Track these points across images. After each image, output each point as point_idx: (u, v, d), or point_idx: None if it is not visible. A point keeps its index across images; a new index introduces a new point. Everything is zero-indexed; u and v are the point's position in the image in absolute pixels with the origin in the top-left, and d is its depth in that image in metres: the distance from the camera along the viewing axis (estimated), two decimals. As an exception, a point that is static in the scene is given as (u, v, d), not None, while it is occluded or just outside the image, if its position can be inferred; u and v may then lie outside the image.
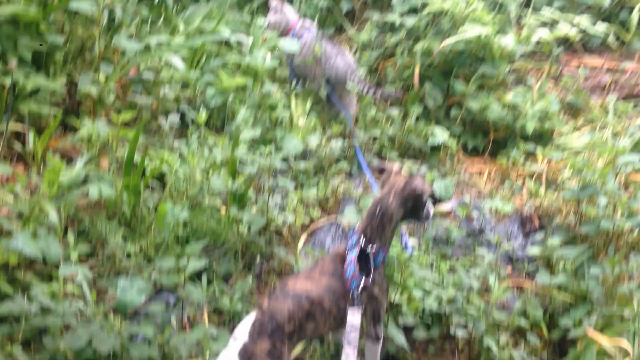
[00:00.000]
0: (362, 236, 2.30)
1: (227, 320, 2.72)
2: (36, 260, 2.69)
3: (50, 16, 3.71)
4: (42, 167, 3.47)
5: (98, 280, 2.76)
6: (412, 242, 3.04)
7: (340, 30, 5.12)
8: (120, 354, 2.29)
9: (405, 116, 4.12)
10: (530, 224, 3.46)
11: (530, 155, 3.92)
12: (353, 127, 3.89)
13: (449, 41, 4.03)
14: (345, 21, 5.05)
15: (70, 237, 2.81)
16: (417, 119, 4.08)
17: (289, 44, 4.06)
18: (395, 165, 2.45)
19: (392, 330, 2.55)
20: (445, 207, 3.51)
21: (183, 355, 2.31)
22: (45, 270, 2.66)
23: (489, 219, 3.48)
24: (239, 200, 3.06)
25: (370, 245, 2.28)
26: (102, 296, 2.76)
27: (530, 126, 3.87)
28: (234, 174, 3.08)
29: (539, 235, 3.31)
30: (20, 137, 3.54)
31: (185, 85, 4.10)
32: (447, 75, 4.20)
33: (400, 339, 2.52)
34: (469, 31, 3.95)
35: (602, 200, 3.01)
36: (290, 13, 4.32)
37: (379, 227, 2.31)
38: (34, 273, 2.61)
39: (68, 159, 3.55)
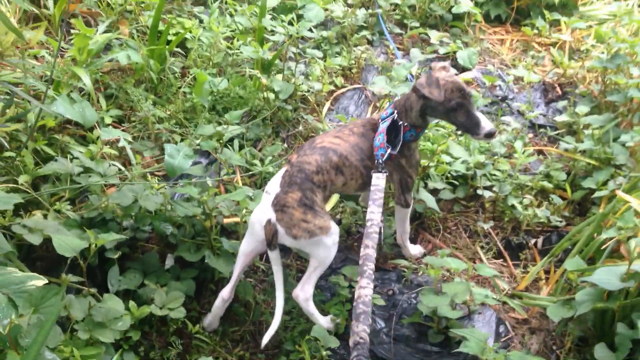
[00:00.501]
0: (396, 111, 2.32)
1: (259, 182, 2.81)
2: (70, 123, 2.73)
3: None
4: (60, 31, 3.42)
5: (133, 144, 2.81)
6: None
7: None
8: (165, 211, 2.38)
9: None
10: (552, 92, 3.48)
11: (554, 24, 3.86)
12: (376, -1, 3.80)
13: None
14: None
15: (102, 101, 2.83)
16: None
17: None
18: (440, 63, 2.35)
19: (423, 194, 2.64)
20: (468, 75, 3.51)
21: (224, 213, 2.40)
22: (80, 133, 2.69)
23: (512, 87, 3.49)
24: (267, 68, 3.03)
25: (402, 121, 2.30)
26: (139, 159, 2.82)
27: (557, -7, 3.79)
28: (261, 41, 3.03)
29: (560, 104, 3.33)
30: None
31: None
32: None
33: (431, 202, 2.61)
34: None
35: (635, 71, 3.01)
36: None
37: (409, 106, 2.29)
38: (69, 136, 2.64)
39: (86, 23, 3.49)
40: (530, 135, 3.25)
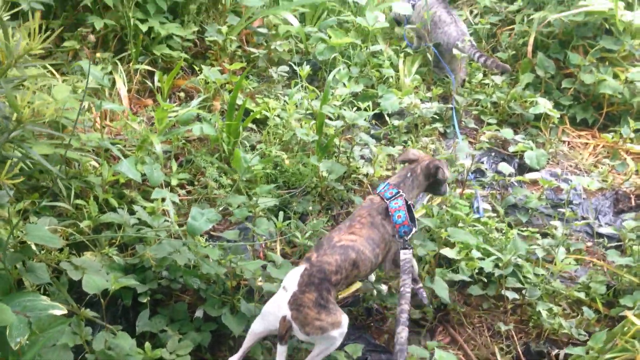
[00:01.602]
0: (401, 190, 2.49)
1: (299, 252, 3.00)
2: (144, 182, 3.15)
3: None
4: (168, 101, 3.97)
5: (192, 204, 3.17)
6: (484, 206, 3.09)
7: (464, -8, 5.07)
8: (193, 267, 2.66)
9: (514, 84, 4.07)
10: (625, 202, 3.33)
11: (640, 134, 3.71)
12: (455, 91, 3.92)
13: (567, 13, 3.88)
14: (471, -16, 4.99)
15: (174, 165, 3.25)
16: (526, 87, 4.00)
17: (401, 7, 4.16)
18: (417, 151, 2.69)
19: (438, 283, 2.66)
20: (533, 176, 3.48)
21: (246, 276, 2.62)
22: (149, 192, 3.09)
23: (579, 192, 3.39)
24: (324, 149, 3.28)
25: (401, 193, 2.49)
26: (194, 219, 3.17)
27: (646, 104, 3.66)
28: (320, 126, 3.30)
29: (628, 215, 3.18)
30: (153, 75, 4.05)
31: (301, 39, 4.39)
32: (565, 46, 4.06)
33: (441, 291, 2.62)
34: (592, 4, 3.77)
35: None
36: None
37: (410, 186, 2.55)
38: (139, 192, 3.05)
39: (189, 96, 4.01)
40: (589, 243, 3.13)
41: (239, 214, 2.67)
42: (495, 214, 3.11)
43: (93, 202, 2.78)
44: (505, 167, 3.21)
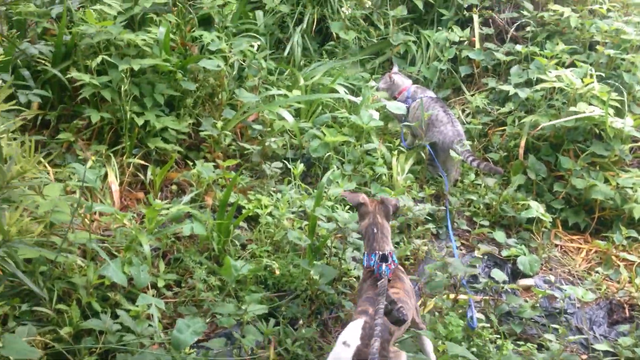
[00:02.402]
0: (377, 252, 2.66)
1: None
2: (130, 283, 3.08)
3: (187, 67, 4.22)
4: (160, 194, 3.95)
5: (179, 306, 3.09)
6: (477, 315, 3.02)
7: (457, 92, 5.17)
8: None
9: (505, 185, 4.09)
10: (619, 313, 3.27)
11: (634, 242, 3.69)
12: (448, 192, 3.93)
13: (558, 120, 3.95)
14: (463, 85, 5.10)
15: (162, 265, 3.18)
16: (518, 189, 4.02)
17: (395, 107, 4.23)
18: (362, 196, 2.86)
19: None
20: (526, 282, 3.43)
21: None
22: (135, 294, 3.02)
23: (573, 301, 3.33)
24: (316, 251, 3.24)
25: (385, 251, 2.67)
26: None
27: (637, 213, 3.66)
28: (313, 228, 3.27)
29: (622, 327, 3.12)
30: (145, 167, 4.05)
31: (295, 134, 4.43)
32: (556, 149, 4.12)
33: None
34: (583, 111, 3.85)
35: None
36: (401, 80, 4.51)
37: (382, 239, 2.71)
38: (124, 292, 2.97)
39: (182, 189, 4.00)
40: (584, 357, 3.04)
41: (226, 323, 2.60)
42: (488, 324, 3.04)
43: (75, 307, 2.70)
44: (498, 274, 3.16)
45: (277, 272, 2.91)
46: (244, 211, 3.63)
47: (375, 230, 2.72)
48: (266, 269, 3.31)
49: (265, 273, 3.30)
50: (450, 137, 4.13)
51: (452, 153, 3.95)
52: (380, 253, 2.66)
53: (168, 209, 3.33)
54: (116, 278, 2.69)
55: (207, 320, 2.81)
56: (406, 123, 4.38)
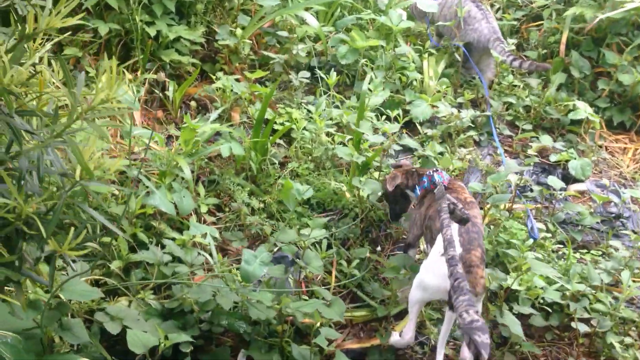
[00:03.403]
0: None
1: (342, 285, 2.78)
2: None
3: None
4: (180, 111, 3.68)
5: (224, 232, 2.91)
6: (538, 226, 2.89)
7: (483, -16, 4.81)
8: (240, 310, 2.42)
9: (545, 85, 3.87)
10: (677, 215, 3.18)
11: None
12: (488, 97, 3.70)
13: (611, 13, 3.66)
14: (490, -25, 4.74)
15: (201, 189, 2.97)
16: (559, 88, 3.81)
17: (426, 4, 3.90)
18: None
19: (508, 317, 2.47)
20: (579, 187, 3.30)
21: (298, 319, 2.39)
22: (176, 221, 2.83)
23: (628, 205, 3.22)
24: (363, 168, 3.04)
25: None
26: (226, 249, 2.92)
27: (688, 105, 3.50)
28: (358, 144, 3.06)
29: (684, 229, 3.03)
30: (160, 83, 3.73)
31: (317, 39, 4.11)
32: (598, 44, 3.86)
33: (515, 326, 2.44)
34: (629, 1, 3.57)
35: None
36: None
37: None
38: (167, 222, 2.77)
39: (201, 105, 3.72)
40: (647, 262, 2.96)
41: (289, 251, 2.43)
42: (549, 234, 2.93)
43: (123, 240, 2.51)
44: (554, 181, 3.01)
45: (347, 195, 2.69)
46: (275, 126, 3.40)
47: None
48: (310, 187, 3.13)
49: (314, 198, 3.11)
50: (485, 35, 3.85)
51: (494, 53, 3.69)
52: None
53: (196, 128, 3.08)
54: (164, 207, 2.49)
55: (265, 247, 2.63)
56: (440, 23, 4.06)
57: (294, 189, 2.46)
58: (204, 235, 2.46)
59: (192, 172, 3.08)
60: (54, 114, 1.35)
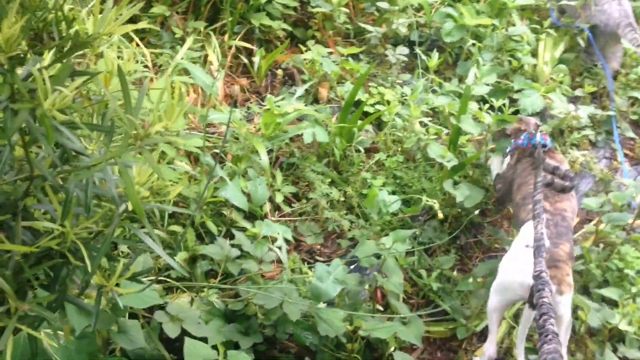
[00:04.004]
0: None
1: (422, 295, 2.53)
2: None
3: None
4: (265, 80, 3.45)
5: (299, 225, 2.70)
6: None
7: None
8: (308, 321, 2.22)
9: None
10: None
11: None
12: (612, 91, 3.22)
13: None
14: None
15: (279, 175, 2.76)
16: (698, 86, 3.28)
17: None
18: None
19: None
20: None
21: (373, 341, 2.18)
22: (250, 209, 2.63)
23: None
24: (458, 170, 2.71)
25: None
26: (300, 240, 2.71)
27: None
28: (455, 142, 2.73)
29: None
30: (246, 48, 3.51)
31: (420, 8, 3.73)
32: None
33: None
34: None
35: None
36: None
37: None
38: (239, 210, 2.58)
39: (287, 74, 3.47)
40: None
41: (367, 263, 2.19)
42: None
43: (191, 230, 2.34)
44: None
45: (440, 215, 2.39)
46: (365, 108, 3.11)
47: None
48: (395, 179, 2.85)
49: (395, 188, 2.83)
50: (615, 18, 3.33)
51: (625, 43, 3.19)
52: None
53: (279, 106, 2.84)
54: (236, 201, 2.30)
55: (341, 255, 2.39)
56: (563, 2, 3.56)
57: (379, 198, 2.18)
58: (274, 242, 2.25)
59: (272, 152, 2.87)
60: (109, 130, 1.14)
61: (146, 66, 2.92)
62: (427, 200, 2.24)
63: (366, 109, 3.13)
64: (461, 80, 3.37)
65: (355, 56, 3.54)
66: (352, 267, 2.38)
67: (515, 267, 2.05)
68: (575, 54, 3.54)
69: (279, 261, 2.44)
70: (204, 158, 2.26)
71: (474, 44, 3.31)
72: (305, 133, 2.65)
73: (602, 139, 3.17)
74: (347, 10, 3.54)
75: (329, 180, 2.81)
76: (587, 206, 2.44)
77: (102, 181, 1.23)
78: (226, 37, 3.40)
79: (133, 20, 3.22)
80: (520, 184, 2.38)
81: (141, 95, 1.02)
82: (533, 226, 1.96)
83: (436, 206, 2.11)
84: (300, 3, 3.69)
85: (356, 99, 3.00)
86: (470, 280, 2.46)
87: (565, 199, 2.24)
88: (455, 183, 2.73)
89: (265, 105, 2.78)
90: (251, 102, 3.29)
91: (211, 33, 3.37)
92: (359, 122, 2.95)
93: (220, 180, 2.39)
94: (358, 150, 2.94)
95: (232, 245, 2.37)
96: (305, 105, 3.18)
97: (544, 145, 2.41)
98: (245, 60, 3.44)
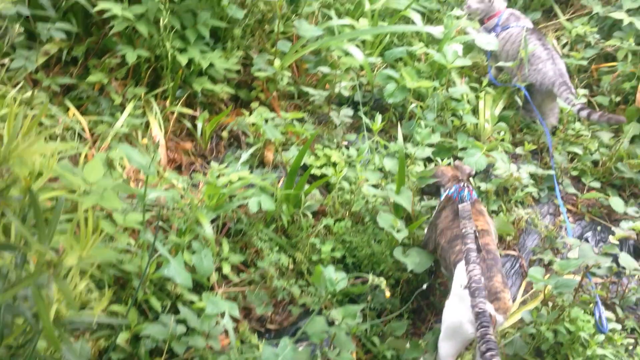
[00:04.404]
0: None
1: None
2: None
3: (234, -10, 3.52)
4: (209, 143, 3.39)
5: (248, 294, 2.61)
6: (607, 315, 2.50)
7: (548, 14, 4.40)
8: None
9: (617, 133, 3.46)
10: None
11: None
12: (551, 150, 3.29)
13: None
14: (557, 5, 4.32)
15: (225, 245, 2.67)
16: (633, 141, 3.39)
17: (486, 41, 3.52)
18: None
19: None
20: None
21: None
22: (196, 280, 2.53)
23: None
24: (412, 227, 2.69)
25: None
26: (248, 315, 2.62)
27: None
28: (400, 213, 2.73)
29: None
30: (191, 108, 3.46)
31: (362, 68, 3.77)
32: (680, 91, 3.43)
33: None
34: None
35: None
36: (499, 2, 3.76)
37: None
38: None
39: (233, 136, 3.42)
40: None
41: (316, 339, 2.11)
42: (618, 324, 2.53)
43: (134, 310, 2.22)
44: (627, 260, 2.61)
45: (387, 294, 2.33)
46: (313, 170, 3.08)
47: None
48: (343, 244, 2.80)
49: (342, 247, 2.79)
50: (550, 77, 3.45)
51: (559, 101, 3.30)
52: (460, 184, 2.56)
53: (223, 174, 2.78)
54: (179, 279, 2.20)
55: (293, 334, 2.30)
56: (501, 63, 3.68)
57: (325, 276, 2.12)
58: (222, 315, 2.15)
59: (218, 218, 2.78)
60: (21, 262, 1.04)
61: (83, 137, 2.82)
62: (375, 279, 2.20)
63: (313, 171, 3.12)
64: (406, 139, 3.40)
65: (314, 134, 3.55)
66: (302, 344, 2.29)
67: (460, 308, 2.14)
68: (514, 110, 3.63)
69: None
70: (144, 235, 2.16)
71: (416, 105, 3.35)
72: (251, 202, 2.59)
73: (545, 195, 3.22)
74: (290, 74, 3.55)
75: (277, 246, 2.74)
76: (532, 278, 2.44)
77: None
78: (168, 102, 3.34)
79: (69, 88, 3.14)
80: (443, 229, 2.49)
81: (55, 219, 0.94)
82: (467, 273, 2.14)
83: (383, 284, 2.05)
84: (243, 65, 3.68)
85: (305, 163, 2.98)
86: (422, 344, 2.43)
87: (487, 234, 2.37)
88: (405, 246, 2.71)
89: (211, 169, 2.72)
90: (195, 169, 3.21)
91: (152, 99, 3.30)
92: (307, 186, 2.91)
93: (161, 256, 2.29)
94: (305, 216, 2.88)
95: (178, 321, 2.27)
96: (252, 170, 3.14)
97: (461, 199, 2.53)
98: (189, 125, 3.38)
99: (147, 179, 2.07)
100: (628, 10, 3.77)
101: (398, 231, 2.51)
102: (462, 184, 2.57)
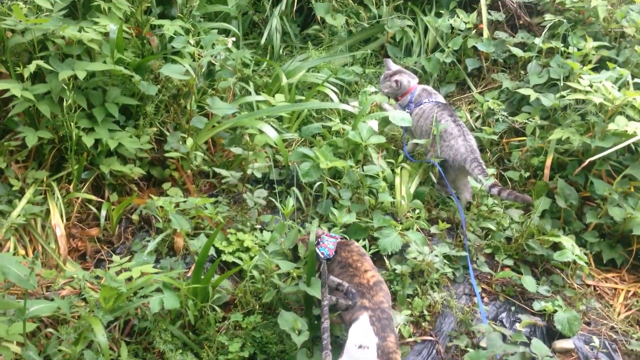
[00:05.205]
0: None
1: None
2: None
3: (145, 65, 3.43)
4: (118, 228, 3.24)
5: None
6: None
7: (462, 87, 4.50)
8: None
9: (526, 209, 3.52)
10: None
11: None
12: (465, 229, 3.30)
13: (612, 151, 3.32)
14: (469, 79, 4.43)
15: (124, 350, 2.51)
16: (542, 215, 3.45)
17: (400, 117, 3.54)
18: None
19: None
20: (564, 345, 2.90)
21: None
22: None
23: (621, 368, 2.83)
24: (315, 328, 2.61)
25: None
26: None
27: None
28: (310, 305, 2.65)
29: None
30: (97, 193, 3.31)
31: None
32: (587, 167, 3.51)
33: None
34: (624, 129, 3.23)
35: None
36: (407, 80, 3.82)
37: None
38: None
39: (144, 220, 3.29)
40: None
41: None
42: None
43: None
44: (539, 347, 2.59)
45: None
46: (225, 256, 2.98)
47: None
48: (254, 340, 2.68)
49: (253, 345, 2.67)
50: (462, 153, 3.48)
51: (473, 182, 3.33)
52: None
53: (127, 268, 2.64)
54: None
55: None
56: (415, 141, 3.72)
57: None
58: None
59: (119, 318, 2.62)
60: None
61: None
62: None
63: (225, 257, 3.02)
64: (322, 219, 3.35)
65: (214, 194, 3.45)
66: None
67: None
68: (430, 186, 3.64)
69: None
70: (26, 353, 1.99)
71: (330, 184, 3.32)
72: (152, 302, 2.45)
73: (460, 274, 3.21)
74: (202, 154, 3.46)
75: (184, 345, 2.60)
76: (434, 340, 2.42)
77: None
78: (72, 186, 3.18)
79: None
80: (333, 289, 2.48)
81: None
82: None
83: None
84: (157, 141, 3.57)
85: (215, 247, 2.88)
86: None
87: (379, 290, 2.42)
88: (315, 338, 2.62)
89: (117, 258, 2.58)
90: (102, 257, 3.05)
91: (54, 184, 3.14)
92: (217, 275, 2.80)
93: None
94: (214, 311, 2.75)
95: None
96: (161, 257, 3.02)
97: (328, 259, 2.61)
98: (94, 210, 3.23)
99: (27, 293, 1.90)
100: (535, 86, 3.89)
101: (299, 333, 2.40)
102: (319, 239, 2.64)
